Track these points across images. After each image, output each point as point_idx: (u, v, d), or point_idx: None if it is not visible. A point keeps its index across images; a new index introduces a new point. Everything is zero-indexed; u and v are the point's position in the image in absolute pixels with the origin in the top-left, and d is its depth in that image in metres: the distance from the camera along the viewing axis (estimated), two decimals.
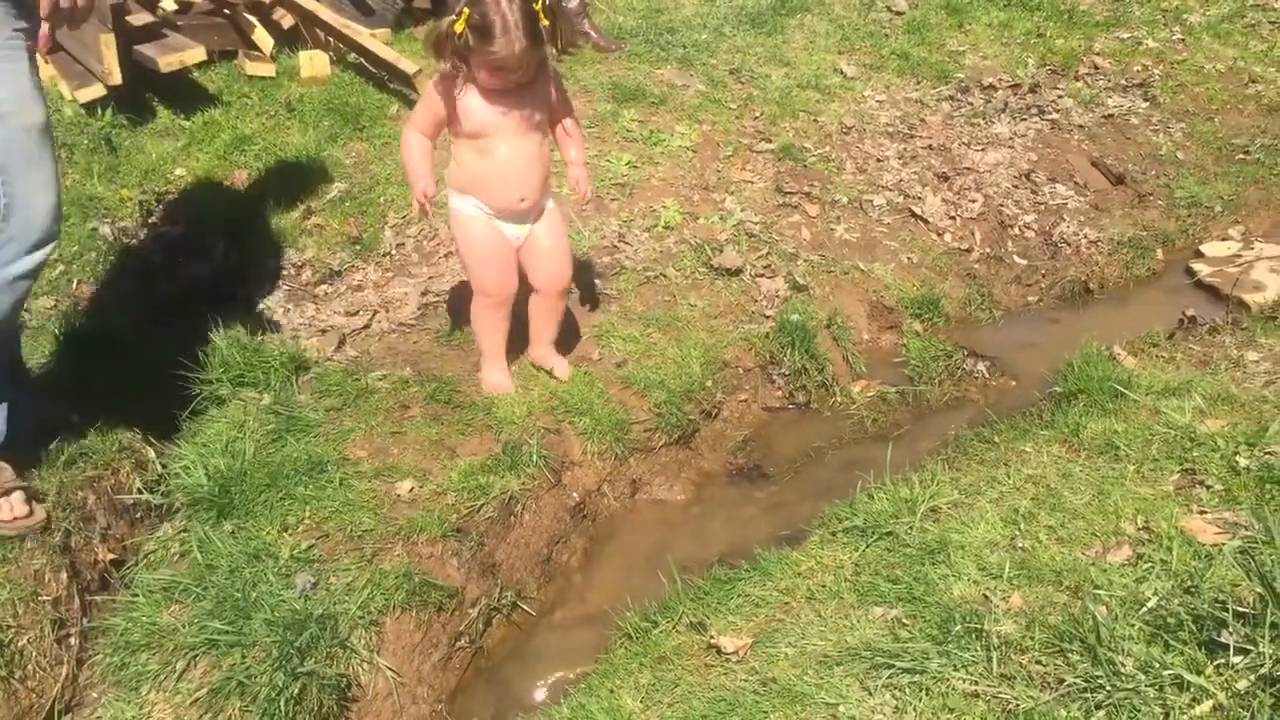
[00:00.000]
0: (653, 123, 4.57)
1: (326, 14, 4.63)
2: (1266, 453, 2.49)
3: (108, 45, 3.98)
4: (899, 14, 5.94)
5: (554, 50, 2.69)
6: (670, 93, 4.80)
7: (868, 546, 2.46)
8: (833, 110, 4.96)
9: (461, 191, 2.90)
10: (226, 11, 4.61)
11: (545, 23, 2.62)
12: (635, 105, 4.64)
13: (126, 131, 4.18)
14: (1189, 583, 2.04)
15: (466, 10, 2.57)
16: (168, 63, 4.11)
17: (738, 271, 3.82)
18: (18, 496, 2.42)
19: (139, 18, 4.20)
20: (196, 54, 4.18)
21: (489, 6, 2.56)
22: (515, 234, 2.95)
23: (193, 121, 4.29)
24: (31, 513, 2.43)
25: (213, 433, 2.85)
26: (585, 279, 3.60)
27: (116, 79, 4.04)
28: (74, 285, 3.48)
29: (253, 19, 4.62)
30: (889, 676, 1.98)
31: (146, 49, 4.17)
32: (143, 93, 4.31)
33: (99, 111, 4.13)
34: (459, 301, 3.55)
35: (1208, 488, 2.42)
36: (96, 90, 4.11)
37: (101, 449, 2.73)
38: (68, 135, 4.03)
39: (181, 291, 3.66)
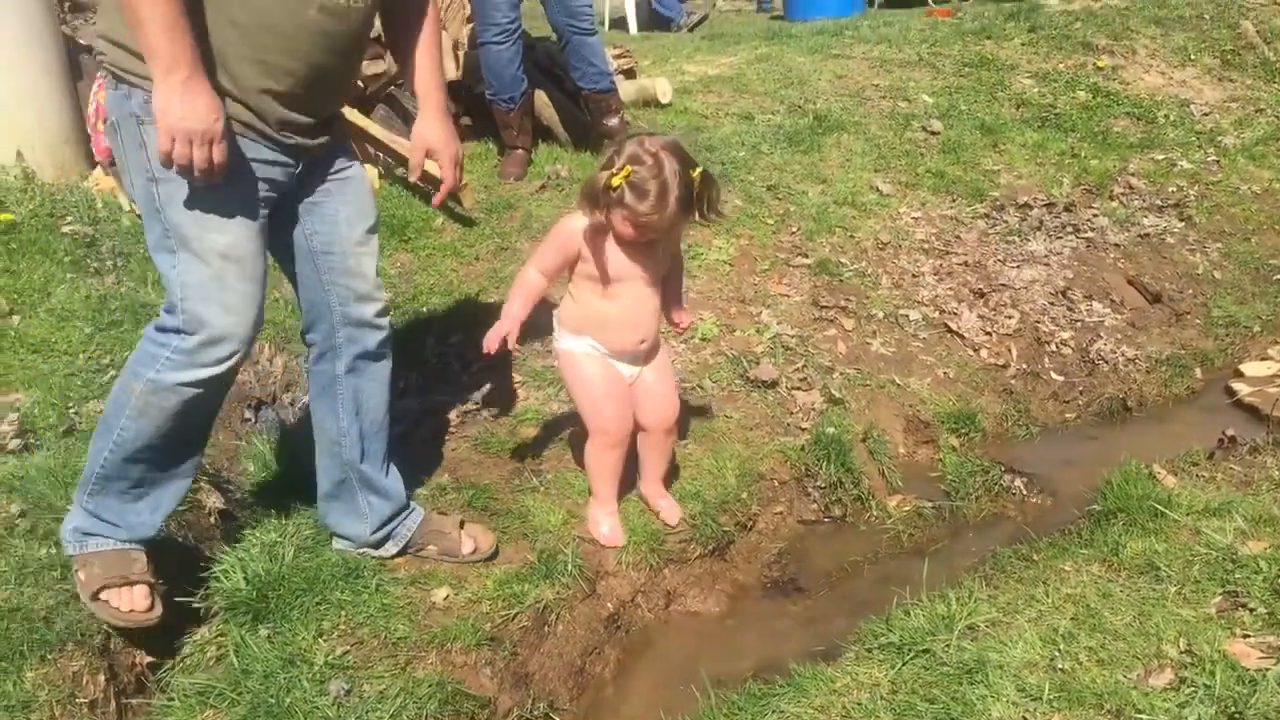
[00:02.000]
0: (691, 237, 4.65)
1: (376, 130, 4.78)
2: None
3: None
4: (934, 134, 6.05)
5: (698, 216, 2.75)
6: None
7: (904, 664, 2.44)
8: (869, 226, 5.03)
9: (576, 332, 2.94)
10: None
11: (698, 190, 2.67)
12: None
13: None
14: (1233, 708, 2.01)
15: (628, 168, 2.60)
16: None
17: (774, 384, 3.85)
18: (141, 590, 2.46)
19: None
20: None
21: (649, 169, 2.60)
22: (629, 373, 2.98)
23: None
24: (151, 608, 2.46)
25: (253, 536, 2.89)
26: None
27: None
28: None
29: None
30: None
31: None
32: None
33: None
34: (496, 407, 3.61)
35: (1250, 610, 2.39)
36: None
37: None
38: (125, 245, 4.16)
39: (228, 397, 3.72)
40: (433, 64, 2.65)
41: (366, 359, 2.72)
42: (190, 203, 2.28)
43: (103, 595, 2.44)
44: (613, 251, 2.77)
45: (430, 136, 2.65)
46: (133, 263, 4.12)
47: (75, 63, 4.90)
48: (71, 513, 2.54)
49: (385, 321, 2.73)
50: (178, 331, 2.32)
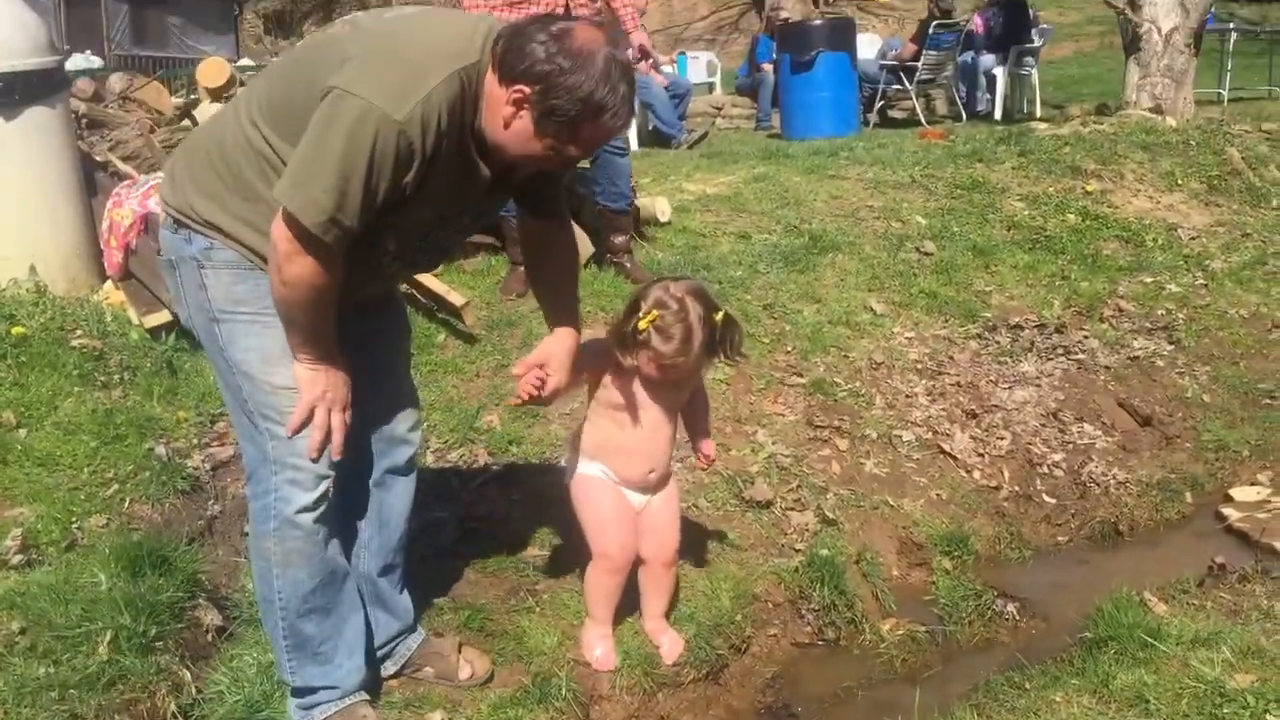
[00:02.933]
0: None
1: None
2: None
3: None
4: (927, 254, 6.18)
5: (722, 357, 2.86)
6: None
7: None
8: (863, 346, 5.12)
9: (591, 457, 3.00)
10: None
11: (721, 333, 2.76)
12: None
13: (187, 355, 4.39)
14: None
15: (654, 313, 2.70)
16: None
17: (768, 504, 3.89)
18: None
19: None
20: None
21: (674, 313, 2.70)
22: (638, 502, 3.03)
23: None
24: None
25: (250, 656, 2.90)
26: None
27: None
28: (126, 504, 3.59)
29: None
30: None
31: None
32: None
33: (163, 336, 4.37)
34: (494, 525, 3.64)
35: None
36: (162, 316, 4.35)
37: (140, 670, 2.77)
38: (133, 358, 4.24)
39: (227, 510, 3.77)
40: (570, 301, 2.81)
41: (396, 473, 2.80)
42: (252, 341, 2.40)
43: None
44: (635, 387, 2.86)
45: (553, 352, 2.74)
46: (139, 376, 4.19)
47: (90, 179, 5.04)
48: (287, 696, 2.64)
49: (417, 436, 2.83)
50: (268, 462, 2.42)
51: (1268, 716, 2.48)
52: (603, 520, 3.00)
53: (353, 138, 2.16)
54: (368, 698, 2.66)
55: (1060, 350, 5.35)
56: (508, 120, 2.27)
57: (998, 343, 5.37)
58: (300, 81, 2.29)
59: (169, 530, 3.54)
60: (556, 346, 2.75)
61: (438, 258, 2.64)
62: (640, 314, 2.71)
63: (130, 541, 3.26)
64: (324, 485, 2.46)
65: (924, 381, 4.93)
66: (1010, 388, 4.98)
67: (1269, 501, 4.31)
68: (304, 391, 2.37)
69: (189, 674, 2.90)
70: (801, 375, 4.77)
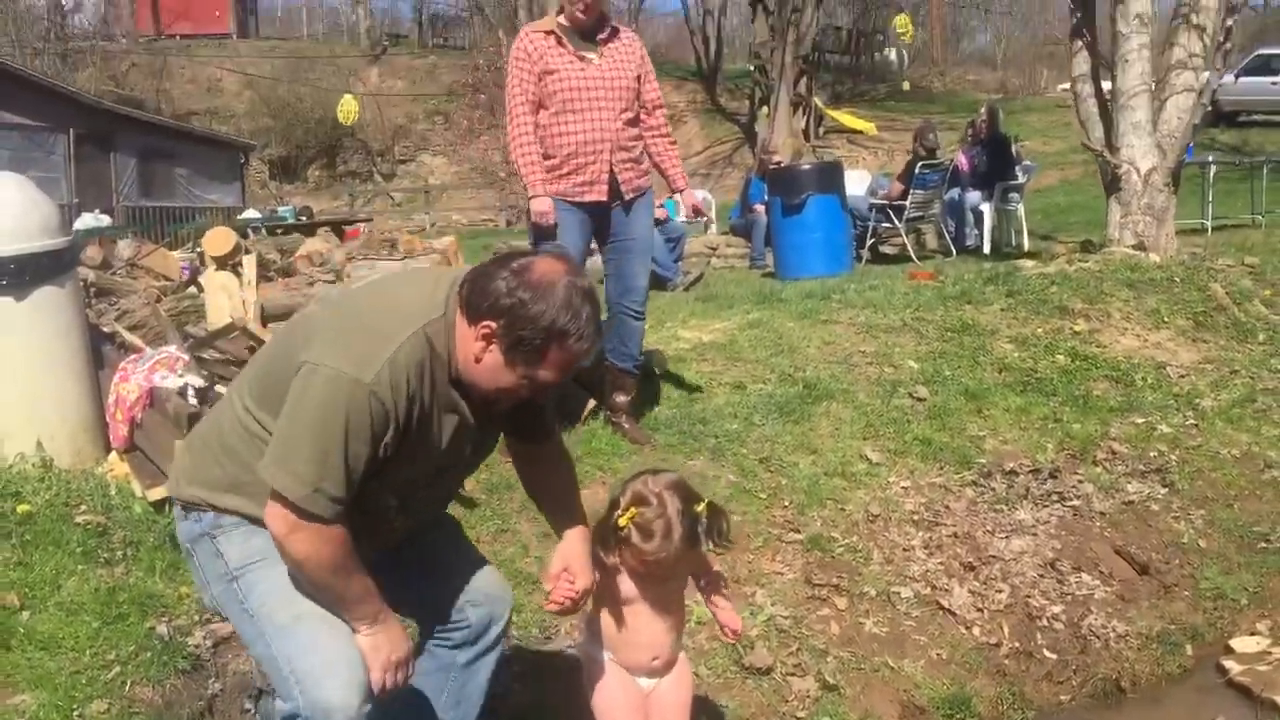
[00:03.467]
0: None
1: None
2: None
3: (180, 451, 4.31)
4: (920, 400, 6.27)
5: (709, 547, 2.91)
6: (702, 484, 5.04)
7: None
8: (859, 498, 5.17)
9: (598, 643, 2.99)
10: None
11: (705, 521, 2.79)
12: None
13: None
14: None
15: (633, 510, 2.74)
16: None
17: (768, 670, 3.90)
18: None
19: None
20: None
21: (653, 509, 2.72)
22: (647, 685, 3.02)
23: None
24: None
25: None
26: None
27: None
28: (127, 687, 3.60)
29: None
30: None
31: None
32: None
33: (167, 509, 4.41)
34: (498, 703, 3.64)
35: None
36: (166, 489, 4.41)
37: None
38: (136, 533, 4.30)
39: (227, 688, 3.78)
40: (572, 506, 2.92)
41: (486, 654, 2.88)
42: (271, 579, 2.47)
43: None
44: (626, 580, 2.86)
45: (571, 557, 2.82)
46: (142, 552, 4.24)
47: (97, 351, 5.17)
48: None
49: (481, 613, 2.87)
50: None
51: None
52: (611, 709, 2.96)
53: (324, 407, 2.29)
54: None
55: (1055, 496, 5.39)
56: (479, 356, 2.41)
57: (993, 489, 5.42)
58: (280, 360, 2.45)
59: (169, 713, 3.56)
60: (572, 550, 2.82)
61: (445, 500, 2.79)
62: (620, 511, 2.75)
63: None
64: None
65: (921, 533, 4.96)
66: (1007, 537, 5.01)
67: (1269, 653, 4.31)
68: (371, 662, 2.44)
69: None
70: (799, 531, 4.81)
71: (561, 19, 5.13)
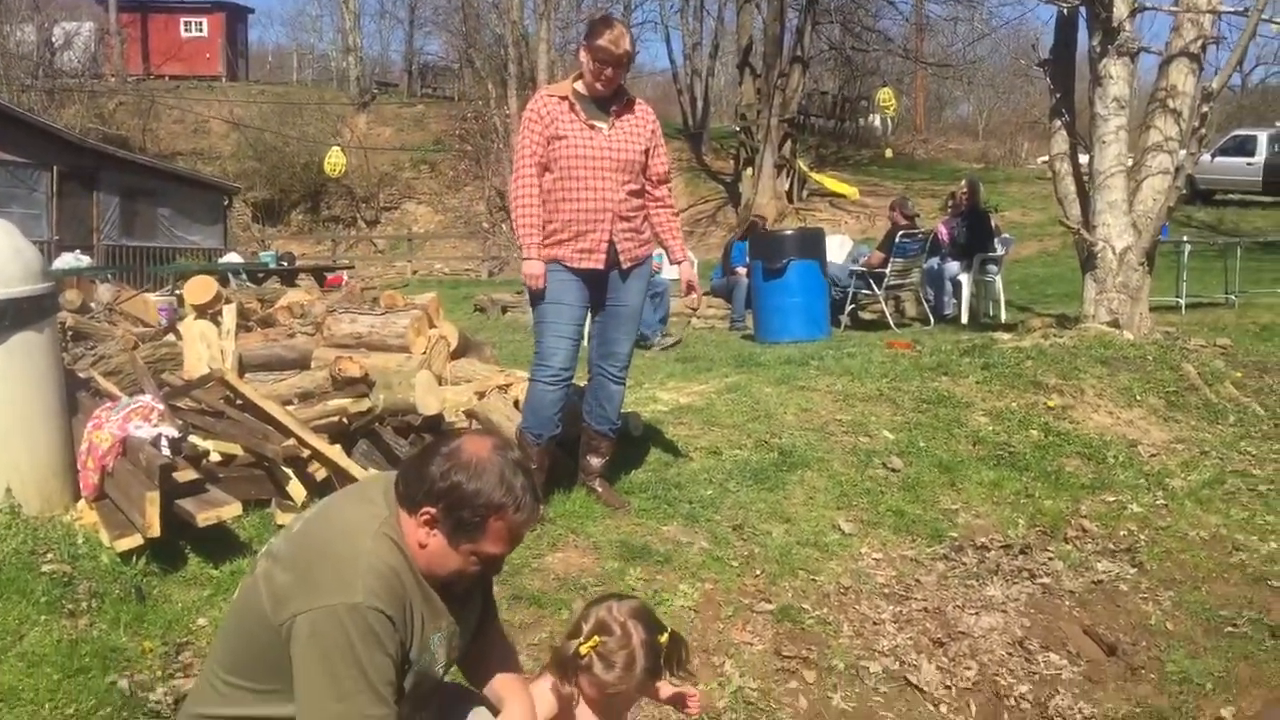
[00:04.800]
0: (657, 581, 4.79)
1: (356, 470, 4.99)
2: None
3: (151, 503, 4.30)
4: (894, 470, 6.30)
5: (667, 677, 2.86)
6: (675, 551, 5.06)
7: None
8: (831, 569, 5.17)
9: None
10: (266, 463, 4.98)
11: (668, 651, 2.76)
12: (641, 564, 4.88)
13: (157, 579, 4.41)
14: None
15: (595, 639, 2.70)
16: (205, 518, 4.40)
17: None
18: None
19: (184, 474, 4.55)
20: (233, 510, 4.49)
21: (617, 640, 2.69)
22: None
23: (221, 570, 4.53)
24: None
25: None
26: None
27: (155, 532, 4.32)
28: None
29: (289, 471, 4.98)
30: None
31: (187, 504, 4.48)
32: (177, 540, 4.59)
33: (134, 560, 4.39)
34: None
35: None
36: (135, 540, 4.38)
37: None
38: (102, 584, 4.26)
39: None
40: (517, 668, 2.94)
41: None
42: None
43: None
44: (582, 710, 2.80)
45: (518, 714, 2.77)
46: (107, 603, 4.19)
47: (72, 397, 5.15)
48: None
49: None
50: None
51: None
52: None
53: (332, 642, 2.35)
54: None
55: (1025, 573, 5.41)
56: (424, 542, 2.49)
57: (964, 564, 5.43)
58: (253, 627, 2.49)
59: None
60: (519, 711, 2.75)
61: (438, 687, 2.78)
62: (581, 639, 2.71)
63: None
64: None
65: (891, 607, 4.97)
66: (977, 613, 5.02)
67: None
68: None
69: None
70: (770, 601, 4.81)
71: (579, 85, 5.18)
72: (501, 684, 2.86)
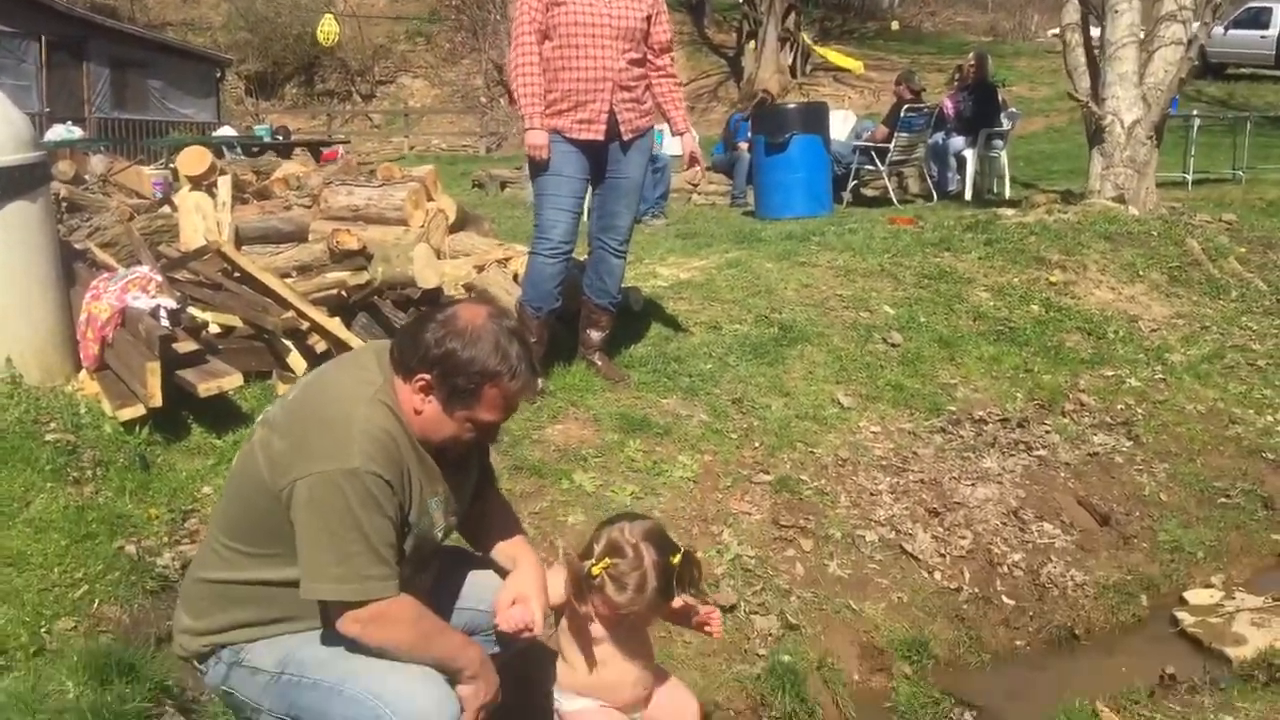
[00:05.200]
0: (657, 453, 4.83)
1: (356, 343, 4.98)
2: None
3: (152, 373, 4.30)
4: (894, 345, 6.30)
5: (682, 596, 2.83)
6: (675, 423, 5.09)
7: None
8: (829, 441, 5.21)
9: (577, 693, 2.90)
10: (266, 335, 4.97)
11: (681, 572, 2.73)
12: (641, 435, 4.92)
13: (161, 449, 4.44)
14: None
15: (607, 560, 2.68)
16: (206, 388, 4.41)
17: (732, 608, 3.95)
18: None
19: (184, 345, 4.54)
20: (234, 380, 4.49)
21: (629, 562, 2.66)
22: (638, 716, 2.96)
23: (224, 440, 4.56)
24: None
25: None
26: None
27: (157, 402, 4.33)
28: (95, 605, 3.62)
29: (289, 344, 4.98)
30: None
31: (188, 374, 4.48)
32: (179, 411, 4.61)
33: (137, 430, 4.41)
34: None
35: None
36: (137, 410, 4.40)
37: None
38: (106, 453, 4.29)
39: None
40: (520, 541, 2.95)
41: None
42: (320, 651, 2.54)
43: None
44: (595, 627, 2.79)
45: (524, 587, 2.78)
46: (112, 472, 4.23)
47: (69, 268, 5.11)
48: None
49: None
50: None
51: None
52: None
53: (328, 508, 2.37)
54: None
55: (1022, 446, 5.45)
56: (419, 408, 2.50)
57: (961, 437, 5.47)
58: (253, 494, 2.51)
59: (137, 633, 3.57)
60: (526, 583, 2.79)
61: (439, 550, 2.81)
62: (593, 560, 2.70)
63: (98, 648, 3.30)
64: None
65: (888, 478, 5.02)
66: (973, 485, 5.07)
67: (1221, 606, 4.41)
68: (468, 706, 2.54)
69: None
70: (768, 472, 4.85)
71: None
72: (512, 546, 2.90)
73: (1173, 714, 3.41)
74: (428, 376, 2.46)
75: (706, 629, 2.97)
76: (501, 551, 2.91)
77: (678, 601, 2.90)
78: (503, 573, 2.88)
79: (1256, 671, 3.66)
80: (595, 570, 2.67)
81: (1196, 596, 4.52)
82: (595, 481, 4.55)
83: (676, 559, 2.71)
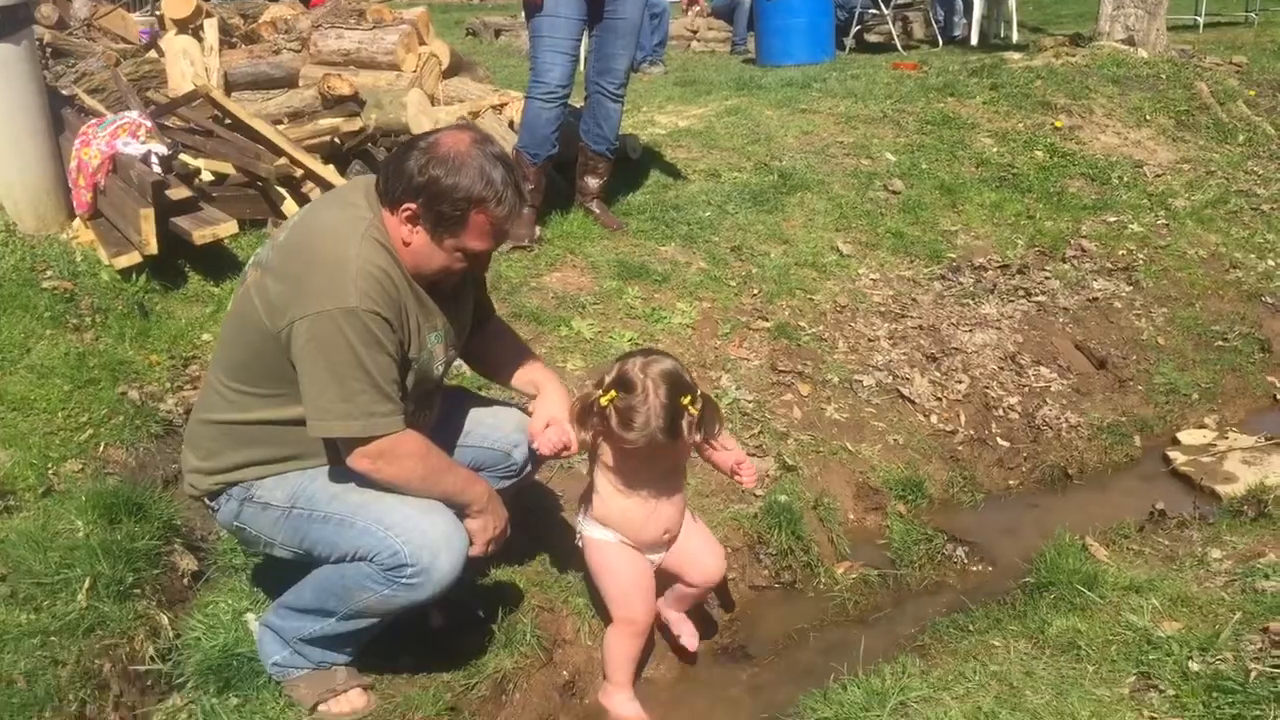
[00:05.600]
0: (655, 300, 4.82)
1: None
2: (1218, 658, 2.63)
3: (146, 219, 4.26)
4: (895, 193, 6.24)
5: (699, 440, 2.83)
6: (673, 270, 5.07)
7: None
8: (828, 289, 5.20)
9: (602, 523, 2.96)
10: (260, 183, 4.92)
11: (693, 414, 2.71)
12: (640, 282, 4.90)
13: (159, 297, 4.44)
14: None
15: (614, 393, 2.68)
16: (201, 235, 4.38)
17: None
18: (355, 692, 2.73)
19: (177, 192, 4.49)
20: (229, 227, 4.46)
21: (637, 397, 2.65)
22: (655, 559, 3.02)
23: (221, 288, 4.56)
24: (369, 702, 2.73)
25: (224, 602, 3.01)
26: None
27: (153, 249, 4.31)
28: (101, 448, 3.67)
29: (283, 191, 4.92)
30: None
31: (182, 221, 4.45)
32: (176, 259, 4.59)
33: (134, 277, 4.40)
34: None
35: (1160, 692, 2.55)
36: (133, 258, 4.38)
37: (119, 616, 2.87)
38: (104, 300, 4.28)
39: None
40: (539, 365, 2.98)
41: (525, 480, 3.11)
42: (329, 485, 2.59)
43: (319, 709, 2.68)
44: (616, 456, 2.82)
45: (554, 410, 2.82)
46: (111, 319, 4.23)
47: (56, 114, 5.02)
48: (269, 644, 2.75)
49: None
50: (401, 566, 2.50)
51: (1190, 664, 2.62)
52: (624, 588, 2.96)
53: (328, 346, 2.37)
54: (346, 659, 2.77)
55: (1021, 292, 5.44)
56: (407, 239, 2.48)
57: (961, 284, 5.46)
58: (252, 337, 2.51)
59: (143, 475, 3.63)
60: (553, 404, 2.83)
61: (441, 386, 2.84)
62: (603, 390, 2.70)
63: (106, 488, 3.35)
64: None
65: (887, 325, 5.02)
66: (971, 330, 5.08)
67: (1213, 445, 4.46)
68: (476, 539, 2.62)
69: (166, 619, 3.01)
70: (767, 319, 4.86)
71: None
72: (531, 371, 2.93)
73: (1161, 548, 3.47)
74: (413, 206, 2.43)
75: (738, 478, 2.97)
76: (521, 378, 2.93)
77: (719, 453, 2.92)
78: (524, 402, 2.95)
79: (1245, 507, 3.71)
80: (603, 401, 2.70)
81: (1189, 437, 4.57)
82: (593, 328, 4.56)
83: (687, 400, 2.70)
